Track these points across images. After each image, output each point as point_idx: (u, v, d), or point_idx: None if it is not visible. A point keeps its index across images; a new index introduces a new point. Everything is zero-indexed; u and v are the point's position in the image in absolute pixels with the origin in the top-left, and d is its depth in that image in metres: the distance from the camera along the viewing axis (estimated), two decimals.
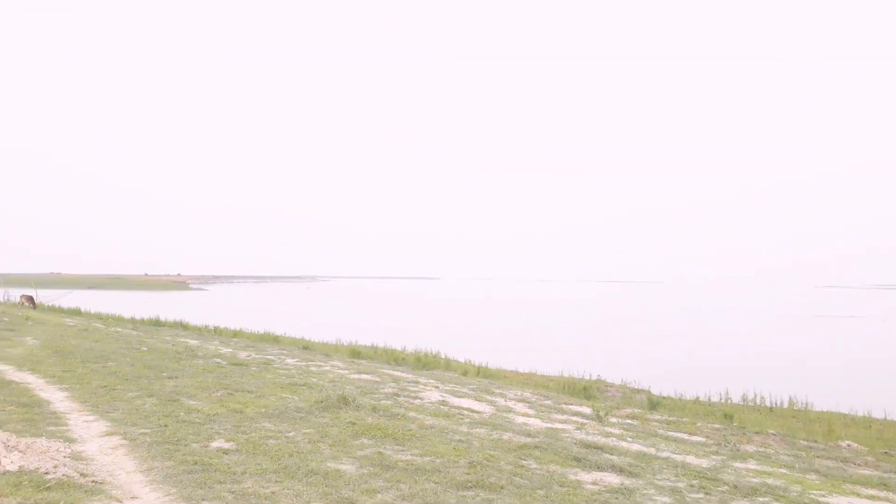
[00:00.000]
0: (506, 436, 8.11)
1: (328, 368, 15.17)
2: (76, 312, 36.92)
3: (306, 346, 24.05)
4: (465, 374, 19.69)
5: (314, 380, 12.43)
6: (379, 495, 5.24)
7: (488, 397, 12.72)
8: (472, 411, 10.44)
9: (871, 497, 6.65)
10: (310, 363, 16.12)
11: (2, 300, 42.28)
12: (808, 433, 11.86)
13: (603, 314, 79.46)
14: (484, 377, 19.15)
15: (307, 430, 7.50)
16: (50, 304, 43.95)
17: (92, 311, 37.94)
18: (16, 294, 43.81)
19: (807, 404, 17.28)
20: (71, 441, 6.61)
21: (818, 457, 9.36)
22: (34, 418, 7.55)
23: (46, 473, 5.19)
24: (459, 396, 12.17)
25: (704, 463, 7.70)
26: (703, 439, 10.34)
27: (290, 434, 7.30)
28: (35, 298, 39.51)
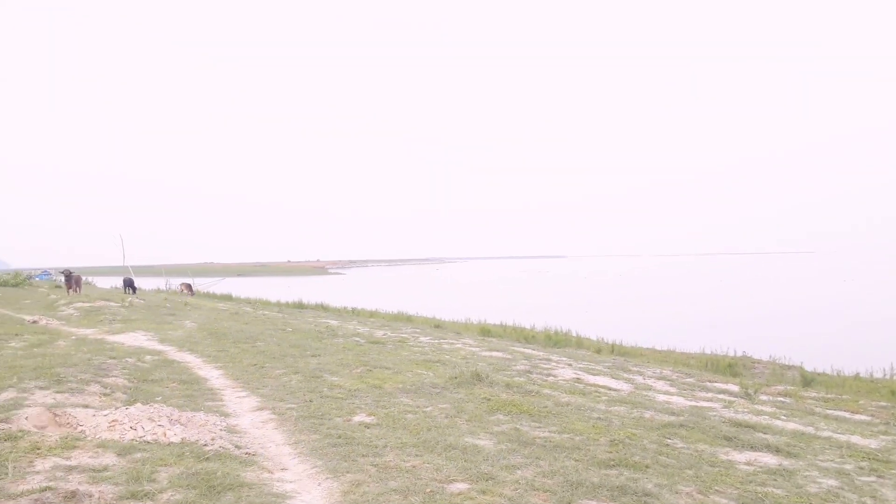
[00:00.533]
0: (647, 414, 7.78)
1: (460, 346, 15.32)
2: (227, 298, 39.83)
3: (438, 325, 24.50)
4: (598, 351, 19.24)
5: (447, 357, 12.58)
6: (518, 472, 5.16)
7: (625, 375, 12.33)
8: (609, 389, 10.14)
9: None
10: (442, 341, 16.37)
11: (165, 288, 46.39)
12: None
13: (716, 287, 74.93)
14: (619, 355, 18.62)
15: (443, 406, 7.58)
16: (205, 291, 47.73)
17: (241, 297, 40.77)
18: (176, 283, 47.95)
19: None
20: (226, 415, 7.07)
21: None
22: (193, 394, 8.15)
23: (205, 445, 5.56)
24: (594, 374, 11.87)
25: (873, 443, 7.00)
26: (868, 418, 9.45)
27: (428, 409, 7.41)
28: (193, 286, 42.95)
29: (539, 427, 6.71)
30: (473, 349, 14.75)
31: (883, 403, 10.91)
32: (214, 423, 6.41)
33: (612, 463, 5.44)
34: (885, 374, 16.45)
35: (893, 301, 49.51)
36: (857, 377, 16.11)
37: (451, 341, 16.50)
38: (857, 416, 9.54)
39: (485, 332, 23.15)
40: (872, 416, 9.64)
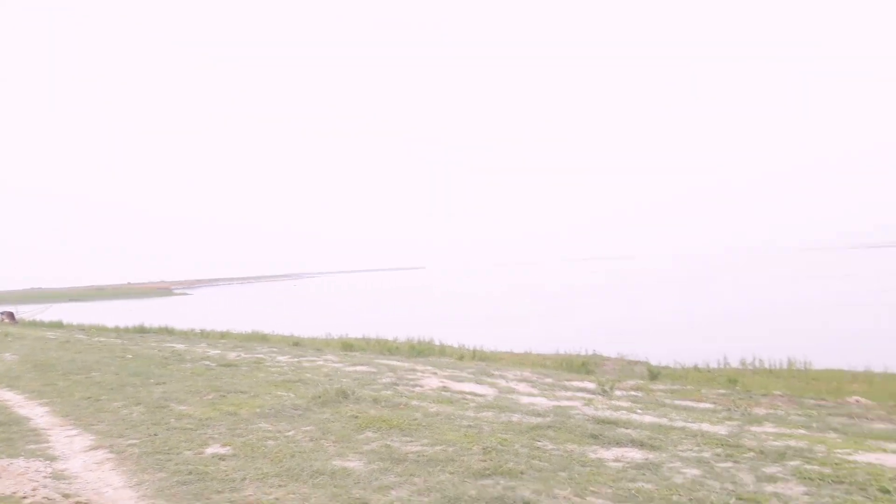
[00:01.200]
0: (515, 417, 7.77)
1: (321, 363, 14.74)
2: (58, 325, 36.06)
3: (296, 343, 23.57)
4: (460, 358, 19.37)
5: (308, 375, 12.01)
6: (393, 492, 4.86)
7: (488, 379, 12.40)
8: (476, 395, 10.10)
9: None
10: (302, 359, 15.68)
11: None
12: (815, 392, 11.69)
13: (580, 291, 79.63)
14: (480, 360, 18.85)
15: (307, 428, 7.11)
16: (31, 319, 42.99)
17: (74, 323, 37.10)
18: None
19: (806, 363, 17.17)
20: (52, 459, 6.16)
21: (830, 415, 9.14)
22: (11, 437, 7.07)
23: (24, 498, 4.75)
24: (460, 381, 11.83)
25: (721, 430, 7.42)
26: (711, 406, 10.09)
27: (290, 433, 6.90)
28: (15, 314, 38.57)
29: (410, 441, 6.45)
30: (336, 365, 14.24)
31: (722, 391, 11.75)
32: (37, 470, 5.54)
33: (488, 472, 5.29)
34: (720, 364, 17.91)
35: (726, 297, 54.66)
36: (696, 368, 17.40)
37: (311, 358, 15.85)
38: (702, 405, 10.17)
39: (347, 346, 22.59)
40: (714, 403, 10.32)
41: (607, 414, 8.25)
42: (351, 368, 13.49)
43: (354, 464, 5.65)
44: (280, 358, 15.86)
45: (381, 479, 5.17)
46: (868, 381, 14.28)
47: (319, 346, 22.89)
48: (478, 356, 20.51)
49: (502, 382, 12.03)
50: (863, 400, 10.72)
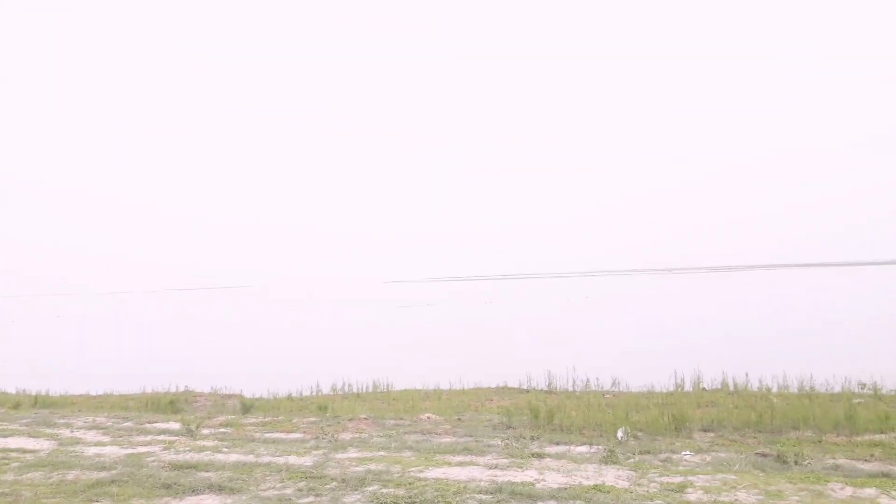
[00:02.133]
0: (71, 475, 6.46)
1: None
2: None
3: None
4: (16, 406, 16.05)
5: None
6: None
7: (48, 430, 10.37)
8: (25, 451, 8.25)
9: (461, 464, 7.08)
10: None
11: None
12: (395, 412, 12.61)
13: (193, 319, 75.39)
14: (43, 407, 15.89)
15: None
16: None
17: None
18: None
19: (389, 385, 18.62)
20: None
21: (406, 433, 9.86)
22: None
23: None
24: (5, 435, 9.61)
25: (307, 461, 7.31)
26: (301, 436, 10.05)
27: None
28: None
29: None
30: None
31: (313, 419, 11.86)
32: None
33: None
34: (312, 391, 18.26)
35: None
36: (290, 397, 17.41)
37: None
38: (292, 436, 10.05)
39: None
40: (304, 432, 10.30)
41: (188, 457, 7.47)
42: None
43: None
44: None
45: None
46: (437, 398, 16.09)
47: None
48: (41, 402, 17.27)
49: (66, 433, 10.18)
50: (433, 416, 11.92)
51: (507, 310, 64.30)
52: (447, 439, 9.23)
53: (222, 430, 10.74)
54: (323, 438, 9.33)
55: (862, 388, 14.83)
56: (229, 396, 17.94)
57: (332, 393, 18.32)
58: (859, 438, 8.28)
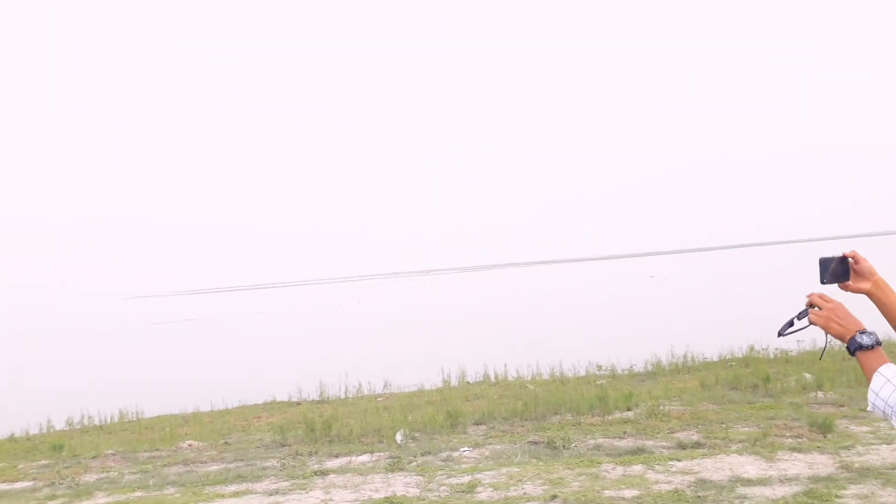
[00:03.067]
0: None
1: None
2: None
3: None
4: None
5: None
6: None
7: None
8: None
9: (236, 493, 6.38)
10: None
11: None
12: (150, 442, 11.20)
13: None
14: None
15: None
16: None
17: None
18: None
19: (139, 412, 16.64)
20: None
21: (165, 465, 8.82)
22: None
23: None
24: None
25: None
26: (31, 483, 8.46)
27: None
28: None
29: None
30: None
31: (45, 462, 10.06)
32: None
33: None
34: (41, 429, 15.60)
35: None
36: (12, 438, 14.71)
37: None
38: (19, 485, 8.42)
39: None
40: (36, 479, 8.70)
41: None
42: None
43: None
44: None
45: None
46: (198, 422, 14.68)
47: None
48: None
49: None
50: (196, 442, 10.79)
51: (277, 321, 62.15)
52: (215, 467, 8.37)
53: None
54: (60, 484, 7.91)
55: (599, 370, 16.61)
56: None
57: (68, 428, 15.84)
58: (611, 417, 9.10)
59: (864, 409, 8.30)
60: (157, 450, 10.28)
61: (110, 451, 10.41)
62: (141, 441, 11.80)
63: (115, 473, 8.50)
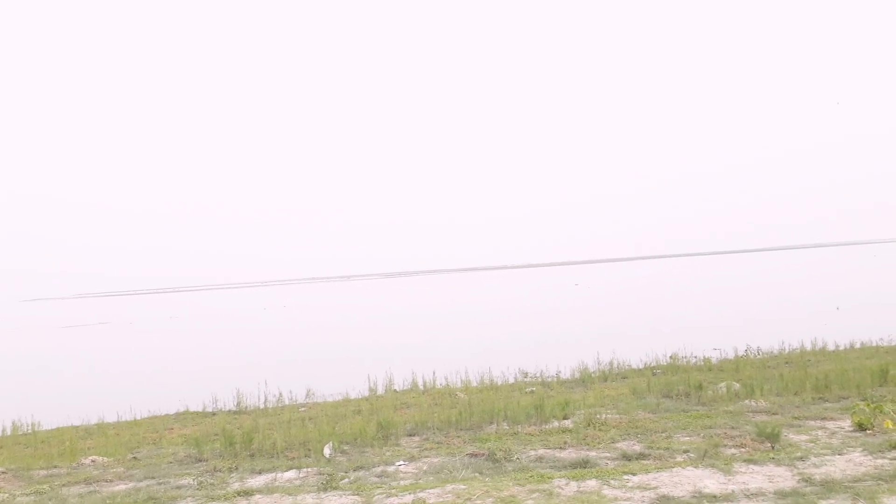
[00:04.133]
0: None
1: None
2: None
3: None
4: None
5: None
6: None
7: None
8: None
9: None
10: None
11: None
12: (47, 458, 10.12)
13: None
14: None
15: None
16: None
17: None
18: None
19: (34, 424, 15.23)
20: None
21: (65, 485, 7.95)
22: None
23: None
24: None
25: None
26: None
27: None
28: None
29: None
30: None
31: None
32: None
33: None
34: None
35: None
36: None
37: None
38: None
39: None
40: None
41: None
42: None
43: None
44: None
45: None
46: (103, 435, 13.53)
47: None
48: None
49: None
50: (100, 458, 9.83)
51: (194, 326, 59.42)
52: (122, 486, 7.59)
53: None
54: None
55: (526, 378, 16.47)
56: None
57: None
58: (548, 426, 8.83)
59: (797, 418, 8.40)
60: (56, 467, 9.30)
61: (0, 470, 9.33)
62: (36, 457, 10.67)
63: (6, 495, 7.57)
